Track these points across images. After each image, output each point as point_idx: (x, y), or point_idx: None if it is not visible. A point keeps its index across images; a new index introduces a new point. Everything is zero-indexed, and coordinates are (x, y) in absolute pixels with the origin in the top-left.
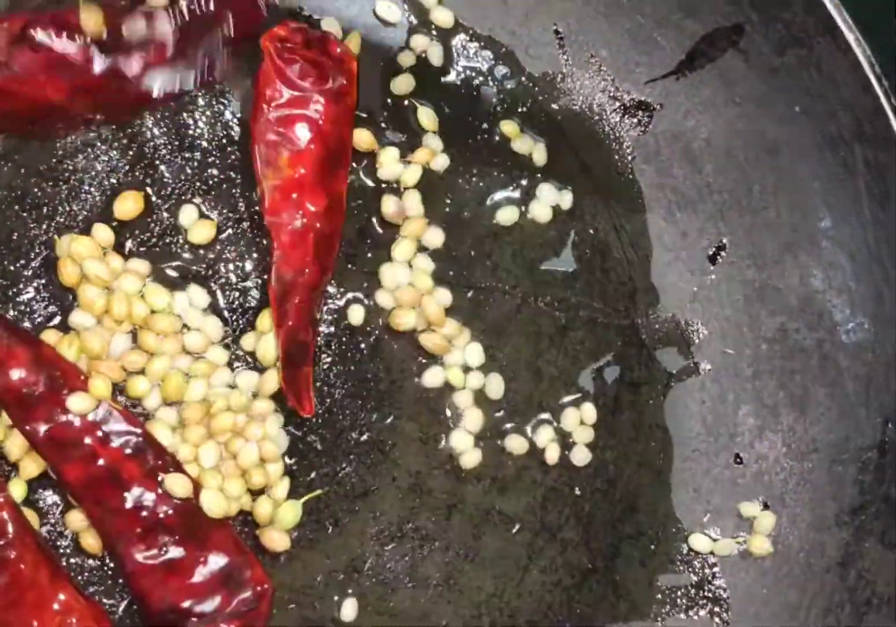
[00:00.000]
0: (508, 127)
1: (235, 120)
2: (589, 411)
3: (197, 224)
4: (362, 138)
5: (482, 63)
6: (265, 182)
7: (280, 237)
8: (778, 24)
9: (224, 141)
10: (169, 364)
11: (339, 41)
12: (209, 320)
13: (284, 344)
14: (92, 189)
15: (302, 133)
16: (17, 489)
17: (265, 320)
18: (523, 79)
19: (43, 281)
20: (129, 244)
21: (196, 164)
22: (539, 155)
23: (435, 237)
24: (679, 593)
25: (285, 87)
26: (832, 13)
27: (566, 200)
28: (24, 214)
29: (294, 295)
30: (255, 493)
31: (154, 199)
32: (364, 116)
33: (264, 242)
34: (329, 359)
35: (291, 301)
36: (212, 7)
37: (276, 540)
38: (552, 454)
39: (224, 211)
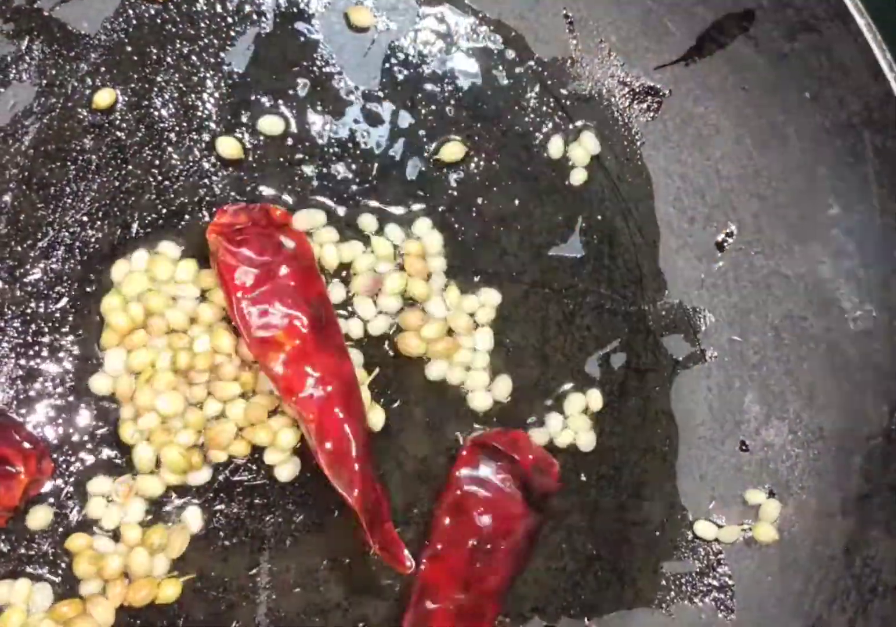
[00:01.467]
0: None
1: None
2: (595, 397)
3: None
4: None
5: (491, 47)
6: (272, 366)
7: (309, 412)
8: (788, 9)
9: (232, 123)
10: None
11: (274, 206)
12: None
13: (363, 511)
14: (99, 170)
15: (284, 303)
16: None
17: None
18: (532, 64)
19: (50, 262)
20: (135, 226)
21: (204, 146)
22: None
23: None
24: (684, 580)
25: (248, 267)
26: None
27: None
28: (32, 195)
29: (347, 462)
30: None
31: (161, 179)
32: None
33: None
34: None
35: (348, 468)
36: None
37: None
38: (558, 440)
39: (231, 193)
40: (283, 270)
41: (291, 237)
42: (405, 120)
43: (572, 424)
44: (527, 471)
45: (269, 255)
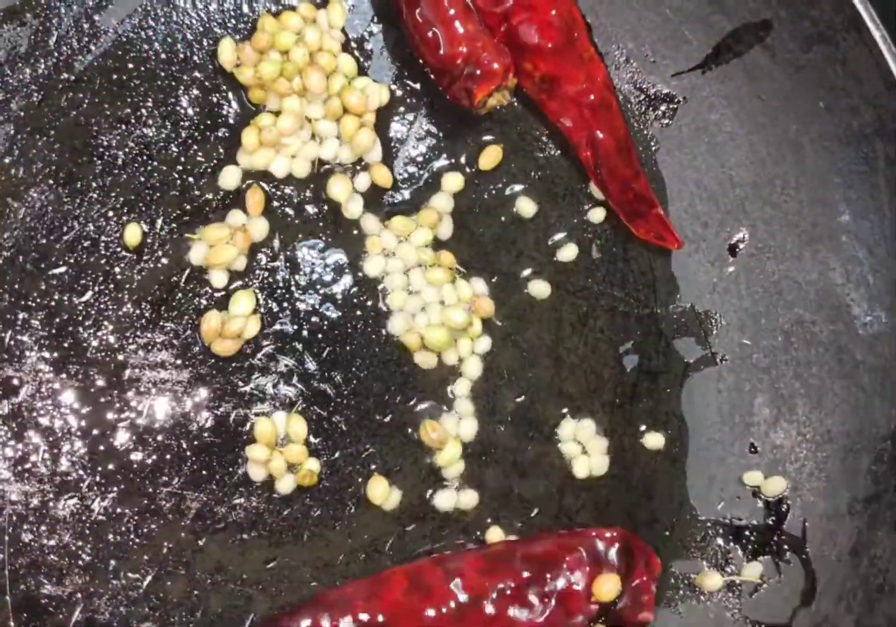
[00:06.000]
0: None
1: None
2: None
3: None
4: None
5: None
6: None
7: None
8: (805, 20)
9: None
10: None
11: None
12: None
13: (618, 204)
14: (125, 166)
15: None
16: None
17: None
18: None
19: (75, 255)
20: (160, 222)
21: (227, 142)
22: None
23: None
24: (693, 579)
25: None
26: (859, 10)
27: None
28: (59, 189)
29: (603, 163)
30: None
31: (186, 176)
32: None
33: (290, 216)
34: (353, 342)
35: (603, 169)
36: None
37: None
38: (570, 446)
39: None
40: None
41: None
42: (424, 124)
43: (593, 422)
44: None
45: None
